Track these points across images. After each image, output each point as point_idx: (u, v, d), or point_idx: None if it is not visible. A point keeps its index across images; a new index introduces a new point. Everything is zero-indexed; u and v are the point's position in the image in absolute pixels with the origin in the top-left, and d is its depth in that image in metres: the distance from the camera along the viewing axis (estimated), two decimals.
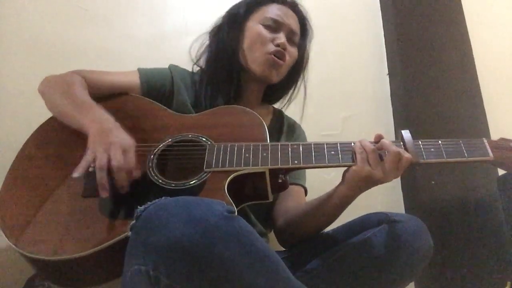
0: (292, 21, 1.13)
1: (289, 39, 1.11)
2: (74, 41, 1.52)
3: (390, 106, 1.65)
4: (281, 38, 1.08)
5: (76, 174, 0.78)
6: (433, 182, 1.39)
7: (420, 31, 1.61)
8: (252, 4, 1.13)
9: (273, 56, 1.06)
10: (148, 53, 1.55)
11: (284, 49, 1.08)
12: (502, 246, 1.30)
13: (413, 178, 1.43)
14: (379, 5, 1.80)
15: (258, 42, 1.08)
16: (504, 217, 1.27)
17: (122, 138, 0.84)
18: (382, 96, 1.67)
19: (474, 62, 1.60)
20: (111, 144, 0.80)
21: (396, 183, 1.54)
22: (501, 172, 1.38)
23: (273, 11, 1.11)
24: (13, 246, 0.77)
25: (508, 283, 1.26)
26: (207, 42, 1.17)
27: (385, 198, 1.50)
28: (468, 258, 1.31)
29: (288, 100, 1.24)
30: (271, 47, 1.07)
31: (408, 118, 1.51)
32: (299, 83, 1.22)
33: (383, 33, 1.76)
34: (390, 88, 1.67)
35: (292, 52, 1.12)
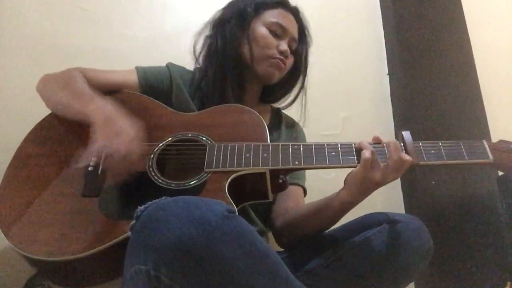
0: (294, 30, 1.14)
1: (289, 47, 1.13)
2: (74, 41, 1.52)
3: (390, 106, 1.65)
4: (284, 45, 1.10)
5: (81, 164, 0.81)
6: (433, 182, 1.39)
7: (420, 31, 1.61)
8: (260, 5, 1.13)
9: (277, 60, 1.09)
10: (148, 53, 1.55)
11: (286, 57, 1.10)
12: (502, 246, 1.30)
13: (413, 178, 1.43)
14: (379, 5, 1.80)
15: (263, 45, 1.09)
16: (504, 217, 1.27)
17: (128, 126, 0.85)
18: (382, 96, 1.67)
19: (474, 62, 1.60)
20: (117, 133, 0.81)
21: (396, 183, 1.54)
22: (501, 172, 1.38)
23: (279, 17, 1.12)
24: (12, 245, 0.77)
25: (508, 283, 1.26)
26: (209, 33, 1.16)
27: (385, 198, 1.50)
28: (468, 258, 1.31)
29: (289, 104, 1.24)
30: (276, 53, 1.09)
31: (408, 118, 1.51)
32: (298, 86, 1.22)
33: (383, 33, 1.76)
34: (390, 88, 1.67)
35: (290, 59, 1.14)
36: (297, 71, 1.20)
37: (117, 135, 0.82)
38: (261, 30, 1.10)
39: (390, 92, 1.67)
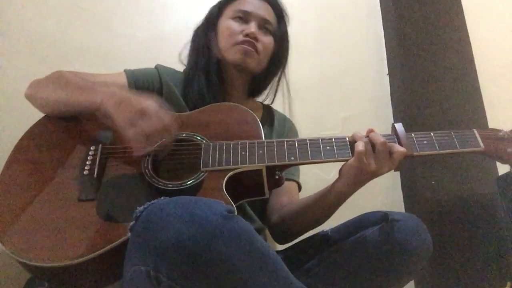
0: (264, 11, 1.14)
1: (262, 28, 1.12)
2: (74, 41, 1.52)
3: (390, 106, 1.66)
4: (251, 27, 1.09)
5: (140, 153, 0.82)
6: (433, 182, 1.39)
7: (420, 31, 1.61)
8: (222, 4, 1.17)
9: (242, 45, 1.08)
10: (148, 53, 1.55)
11: (254, 38, 1.09)
12: (502, 246, 1.30)
13: (413, 178, 1.43)
14: (379, 5, 1.80)
15: (228, 35, 1.10)
16: (504, 216, 1.27)
17: (144, 100, 0.83)
18: (382, 96, 1.67)
19: (474, 62, 1.60)
20: (142, 111, 0.80)
21: (396, 183, 1.54)
22: (501, 171, 1.38)
23: (239, 4, 1.13)
24: (8, 252, 0.76)
25: (508, 283, 1.26)
26: (190, 46, 1.20)
27: (385, 198, 1.50)
28: (468, 258, 1.31)
29: (274, 92, 1.24)
30: (240, 38, 1.08)
31: (408, 118, 1.51)
32: (280, 74, 1.22)
33: (383, 33, 1.76)
34: (390, 88, 1.67)
35: (265, 40, 1.12)
36: (278, 55, 1.18)
37: (140, 112, 0.80)
38: (225, 23, 1.13)
39: (390, 92, 1.67)
